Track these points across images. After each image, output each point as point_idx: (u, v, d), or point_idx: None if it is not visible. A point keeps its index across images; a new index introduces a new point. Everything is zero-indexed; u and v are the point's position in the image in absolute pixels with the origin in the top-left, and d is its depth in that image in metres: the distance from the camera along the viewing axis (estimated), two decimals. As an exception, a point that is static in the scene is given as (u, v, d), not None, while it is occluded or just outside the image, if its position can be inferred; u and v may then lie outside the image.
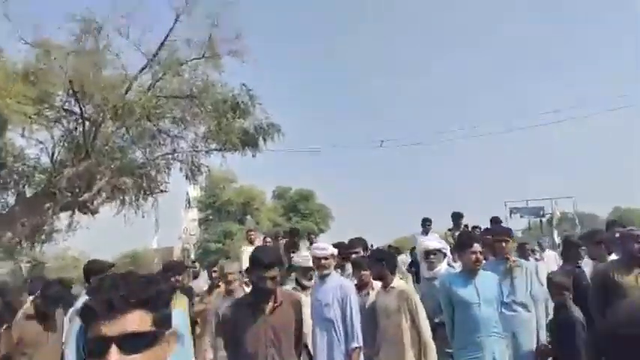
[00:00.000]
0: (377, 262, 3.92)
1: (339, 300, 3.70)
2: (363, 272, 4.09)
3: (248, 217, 31.60)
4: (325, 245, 3.98)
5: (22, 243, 12.80)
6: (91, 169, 10.51)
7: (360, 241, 4.65)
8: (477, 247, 3.62)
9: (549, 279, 3.76)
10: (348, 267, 4.64)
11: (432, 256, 4.19)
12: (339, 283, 3.80)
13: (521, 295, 3.97)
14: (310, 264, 4.39)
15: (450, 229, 8.09)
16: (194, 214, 23.50)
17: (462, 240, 3.78)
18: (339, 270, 4.62)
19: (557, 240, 15.16)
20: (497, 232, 4.42)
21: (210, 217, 33.01)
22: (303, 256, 4.61)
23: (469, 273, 3.65)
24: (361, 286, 4.07)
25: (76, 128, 10.42)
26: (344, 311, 3.68)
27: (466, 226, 8.44)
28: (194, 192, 23.31)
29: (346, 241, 4.97)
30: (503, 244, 4.11)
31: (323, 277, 3.87)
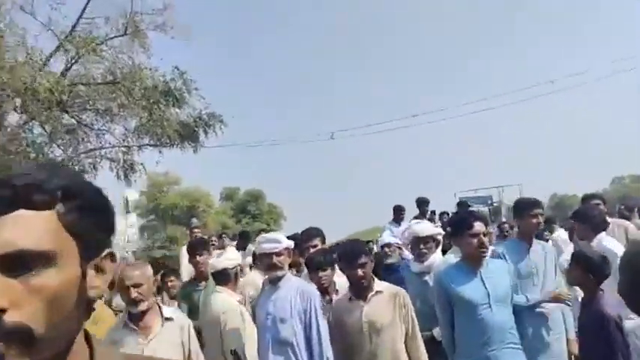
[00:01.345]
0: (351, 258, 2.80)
1: (300, 312, 2.68)
2: (322, 273, 3.02)
3: (194, 220, 29.87)
4: (277, 236, 2.90)
5: None
6: (-4, 169, 8.86)
7: (316, 232, 3.57)
8: (479, 227, 2.69)
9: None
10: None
11: (423, 245, 3.22)
12: (299, 289, 2.76)
13: (550, 283, 3.05)
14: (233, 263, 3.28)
15: (415, 217, 7.23)
16: (132, 219, 21.69)
17: (459, 220, 2.84)
18: (293, 270, 3.58)
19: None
20: (529, 202, 3.21)
21: (154, 223, 30.99)
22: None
23: (472, 263, 2.71)
24: (320, 292, 3.00)
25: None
26: (308, 328, 2.66)
27: (433, 212, 7.64)
28: (132, 196, 21.48)
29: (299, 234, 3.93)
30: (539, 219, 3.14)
31: (275, 281, 2.82)
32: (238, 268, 3.45)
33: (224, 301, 3.15)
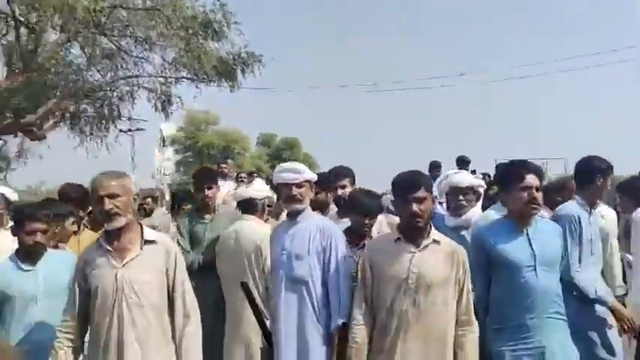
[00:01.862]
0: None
1: (319, 250, 2.44)
2: (369, 220, 2.69)
3: (230, 160, 30.16)
4: (298, 166, 2.59)
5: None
6: (33, 86, 8.88)
7: (346, 171, 3.26)
8: (531, 179, 2.30)
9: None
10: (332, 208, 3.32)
11: (462, 197, 2.83)
12: (320, 225, 2.50)
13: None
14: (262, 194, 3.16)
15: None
16: (169, 153, 22.00)
17: (510, 169, 2.45)
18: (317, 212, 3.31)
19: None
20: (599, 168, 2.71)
21: (190, 160, 31.54)
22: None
23: (519, 220, 2.35)
24: (357, 238, 2.70)
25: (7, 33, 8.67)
26: (326, 268, 2.43)
27: (473, 171, 7.19)
28: (168, 130, 21.70)
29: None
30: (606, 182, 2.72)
31: (294, 215, 2.56)
32: (266, 201, 3.35)
33: (259, 230, 3.07)
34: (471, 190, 2.85)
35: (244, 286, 2.68)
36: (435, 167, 7.47)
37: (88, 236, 3.12)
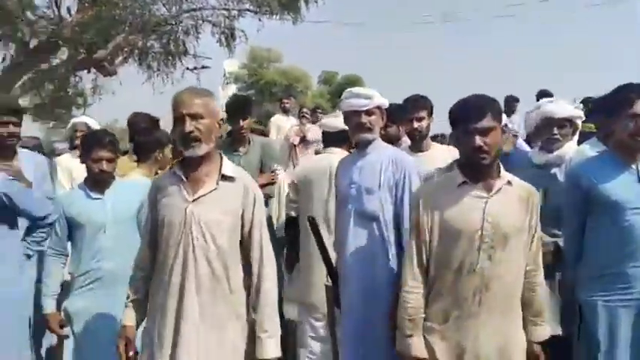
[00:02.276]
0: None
1: (391, 184, 2.23)
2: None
3: (292, 99, 30.09)
4: (368, 91, 2.32)
5: (47, 105, 12.06)
6: (103, 21, 8.99)
7: (425, 102, 2.94)
8: (640, 107, 1.93)
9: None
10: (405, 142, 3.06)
11: (557, 130, 2.42)
12: (392, 157, 2.29)
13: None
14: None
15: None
16: (232, 91, 22.19)
17: (616, 96, 2.07)
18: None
19: None
20: None
21: (253, 98, 31.81)
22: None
23: (625, 154, 2.01)
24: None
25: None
26: (399, 203, 2.23)
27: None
28: (230, 67, 21.75)
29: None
30: None
31: (363, 146, 2.34)
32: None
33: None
34: (569, 122, 2.45)
35: (312, 221, 2.56)
36: (511, 102, 6.87)
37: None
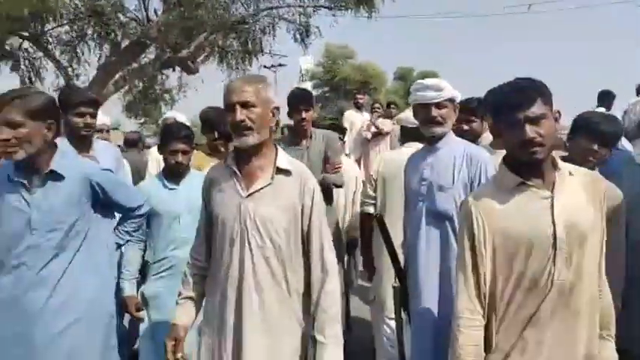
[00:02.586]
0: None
1: (466, 181, 2.12)
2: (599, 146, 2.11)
3: (366, 95, 29.87)
4: (439, 82, 2.20)
5: (135, 100, 12.93)
6: (187, 21, 9.46)
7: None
8: None
9: None
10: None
11: None
12: (467, 152, 2.17)
13: None
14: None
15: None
16: (307, 87, 22.43)
17: None
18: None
19: None
20: None
21: (327, 95, 32.04)
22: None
23: None
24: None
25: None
26: None
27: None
28: (306, 64, 22.04)
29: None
30: None
31: (433, 141, 2.24)
32: None
33: None
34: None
35: (379, 219, 2.47)
36: (605, 97, 6.28)
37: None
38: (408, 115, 3.04)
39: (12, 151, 1.86)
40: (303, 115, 3.12)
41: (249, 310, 1.66)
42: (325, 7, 11.21)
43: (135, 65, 10.44)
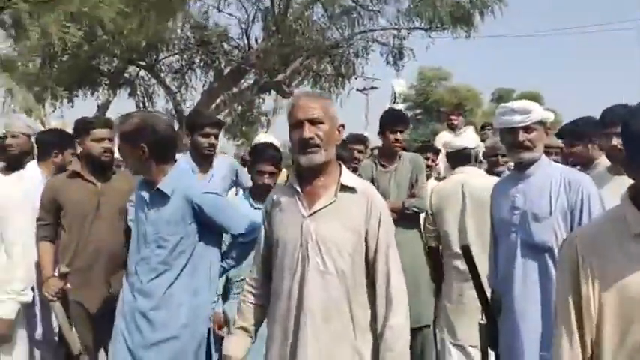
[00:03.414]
0: None
1: (565, 209, 1.95)
2: None
3: (460, 117, 28.93)
4: (527, 105, 2.05)
5: (234, 123, 13.70)
6: (283, 47, 9.88)
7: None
8: None
9: None
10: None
11: None
12: (564, 176, 2.00)
13: None
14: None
15: None
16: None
17: None
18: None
19: None
20: None
21: (419, 117, 31.54)
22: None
23: None
24: None
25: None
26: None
27: None
28: (399, 86, 21.94)
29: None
30: None
31: (523, 167, 2.07)
32: (479, 151, 3.03)
33: (483, 181, 2.73)
34: None
35: (465, 250, 2.28)
36: None
37: None
38: (450, 140, 3.07)
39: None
40: (398, 136, 3.06)
41: (306, 344, 1.54)
42: (421, 29, 11.04)
43: (235, 90, 11.08)
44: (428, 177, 3.68)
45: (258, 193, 2.66)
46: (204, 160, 2.84)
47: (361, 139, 3.94)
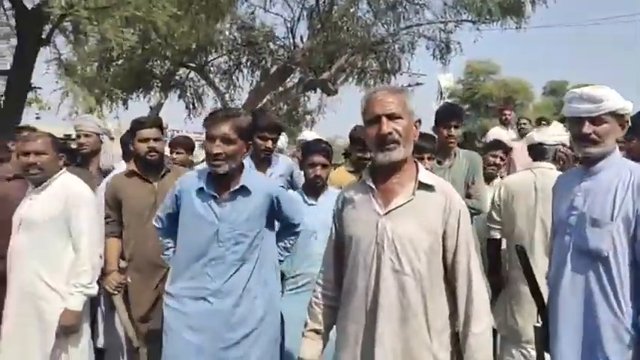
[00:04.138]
0: None
1: (629, 215, 1.70)
2: None
3: (512, 111, 27.90)
4: (598, 92, 1.79)
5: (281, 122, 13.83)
6: (328, 45, 9.87)
7: None
8: None
9: None
10: None
11: None
12: (634, 177, 1.74)
13: None
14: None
15: None
16: (446, 105, 21.71)
17: None
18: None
19: None
20: None
21: (468, 113, 30.72)
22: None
23: None
24: None
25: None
26: (639, 240, 1.68)
27: None
28: (445, 81, 21.40)
29: None
30: None
31: (590, 162, 1.85)
32: (560, 147, 2.86)
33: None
34: None
35: (520, 251, 2.17)
36: None
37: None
38: (531, 134, 2.95)
39: (218, 164, 1.99)
40: (452, 131, 2.92)
41: (383, 343, 1.47)
42: (469, 22, 10.71)
43: (281, 89, 11.19)
44: (493, 177, 3.53)
45: (310, 188, 2.65)
46: (261, 161, 2.88)
47: (500, 145, 3.69)
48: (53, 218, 2.39)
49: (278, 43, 10.83)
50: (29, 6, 6.40)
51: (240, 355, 2.03)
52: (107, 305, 2.86)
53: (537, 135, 2.87)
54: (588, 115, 1.79)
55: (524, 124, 6.05)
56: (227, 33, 10.21)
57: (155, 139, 2.69)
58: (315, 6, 9.64)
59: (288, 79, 11.11)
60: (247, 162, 2.74)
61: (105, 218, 2.72)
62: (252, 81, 11.14)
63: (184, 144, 4.17)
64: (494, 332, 2.82)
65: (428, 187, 1.53)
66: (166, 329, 2.08)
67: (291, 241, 2.36)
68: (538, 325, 2.05)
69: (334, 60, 10.55)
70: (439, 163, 2.97)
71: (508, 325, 2.78)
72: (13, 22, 6.99)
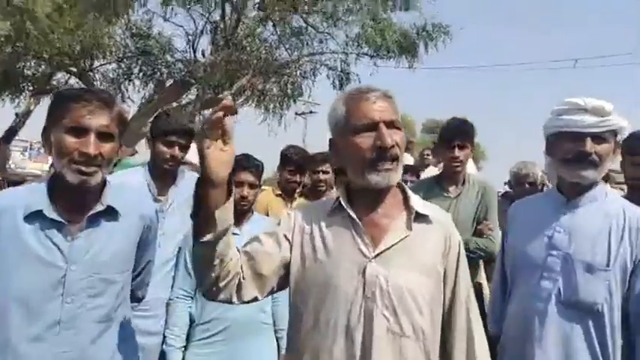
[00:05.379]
0: None
1: (627, 259, 1.46)
2: None
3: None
4: (603, 104, 1.49)
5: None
6: (231, 63, 9.49)
7: None
8: None
9: None
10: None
11: None
12: (628, 215, 1.50)
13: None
14: None
15: None
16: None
17: None
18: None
19: None
20: None
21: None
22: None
23: None
24: None
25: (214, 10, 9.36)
26: (633, 288, 1.47)
27: None
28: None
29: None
30: None
31: (577, 192, 1.56)
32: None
33: None
34: None
35: (476, 288, 2.04)
36: None
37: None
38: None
39: (91, 171, 1.31)
40: (456, 152, 2.45)
41: None
42: (368, 55, 11.20)
43: (175, 104, 10.46)
44: None
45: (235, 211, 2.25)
46: (162, 174, 2.34)
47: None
48: None
49: (176, 55, 10.17)
50: None
51: None
52: None
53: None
54: (590, 131, 1.48)
55: (428, 155, 6.23)
56: (118, 38, 9.29)
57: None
58: (221, 21, 9.23)
59: (185, 95, 10.45)
60: (143, 176, 2.24)
61: None
62: (144, 94, 10.27)
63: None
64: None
65: (423, 219, 1.22)
66: None
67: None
68: None
69: (235, 80, 10.20)
70: (444, 190, 2.51)
71: None
72: None
